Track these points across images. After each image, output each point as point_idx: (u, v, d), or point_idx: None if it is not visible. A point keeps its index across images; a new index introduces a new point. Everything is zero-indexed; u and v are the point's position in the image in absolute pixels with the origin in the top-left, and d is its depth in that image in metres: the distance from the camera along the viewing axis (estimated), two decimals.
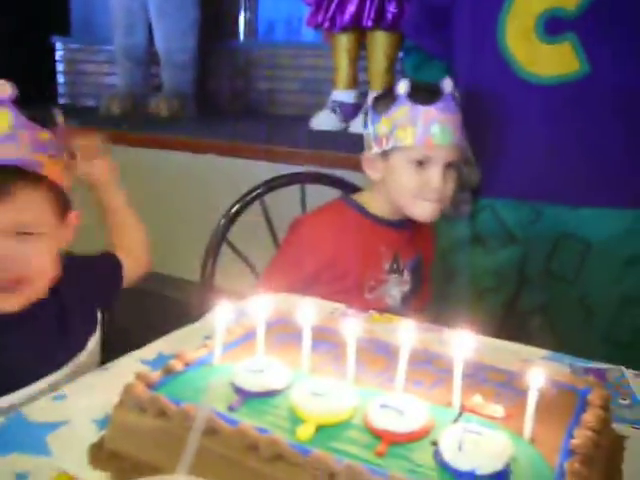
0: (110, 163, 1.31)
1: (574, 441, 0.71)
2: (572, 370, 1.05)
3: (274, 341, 0.90)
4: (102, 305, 1.21)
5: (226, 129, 3.66)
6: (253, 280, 1.55)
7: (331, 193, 1.67)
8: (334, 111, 3.48)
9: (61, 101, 4.89)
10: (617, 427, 0.87)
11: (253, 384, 0.78)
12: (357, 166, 1.47)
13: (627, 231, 1.48)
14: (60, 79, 4.89)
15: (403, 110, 1.37)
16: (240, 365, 0.82)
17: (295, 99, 4.14)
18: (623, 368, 1.07)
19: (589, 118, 1.44)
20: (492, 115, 1.51)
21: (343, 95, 3.51)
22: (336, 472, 0.65)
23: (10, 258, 0.97)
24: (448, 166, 1.40)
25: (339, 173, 1.76)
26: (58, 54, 4.84)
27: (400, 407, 0.73)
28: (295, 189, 1.62)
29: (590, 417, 0.76)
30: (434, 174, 1.38)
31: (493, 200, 1.56)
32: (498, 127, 1.51)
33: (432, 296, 1.59)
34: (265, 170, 2.91)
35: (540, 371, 0.73)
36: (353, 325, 0.82)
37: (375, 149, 1.42)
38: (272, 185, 1.58)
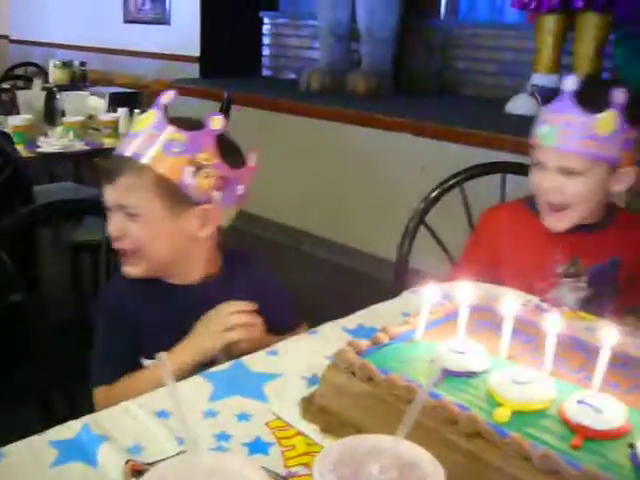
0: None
1: None
2: None
3: (475, 326, 0.95)
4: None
5: (421, 109, 3.69)
6: (446, 263, 1.60)
7: None
8: (533, 95, 3.39)
9: (264, 73, 5.18)
10: None
11: (454, 364, 0.84)
12: None
13: None
14: (265, 52, 5.17)
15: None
16: (442, 344, 0.88)
17: (492, 81, 4.07)
18: None
19: None
20: None
21: (544, 79, 3.40)
22: (532, 456, 0.69)
23: (121, 230, 1.16)
24: (568, 174, 1.33)
25: None
26: (265, 28, 5.11)
27: (598, 405, 0.76)
28: (496, 177, 1.64)
29: None
30: (543, 177, 1.35)
31: None
32: None
33: None
34: (458, 153, 2.93)
35: None
36: (555, 320, 0.85)
37: None
38: (473, 173, 1.61)
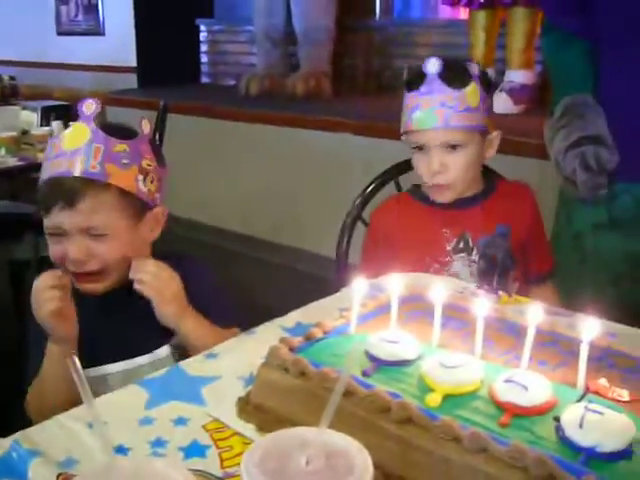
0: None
1: None
2: None
3: (407, 316, 0.96)
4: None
5: (361, 108, 3.72)
6: None
7: None
8: None
9: (203, 80, 5.15)
10: None
11: (387, 353, 0.85)
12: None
13: None
14: (203, 59, 5.15)
15: (404, 98, 1.44)
16: (375, 335, 0.89)
17: None
18: None
19: None
20: (633, 97, 1.47)
21: None
22: (461, 437, 0.70)
23: (87, 253, 1.14)
24: (452, 148, 1.40)
25: None
26: (202, 35, 5.09)
27: (525, 383, 0.77)
28: None
29: None
30: (429, 160, 1.41)
31: (632, 185, 1.52)
32: (638, 109, 1.47)
33: (562, 279, 1.58)
34: (400, 149, 2.95)
35: None
36: (483, 304, 0.87)
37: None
38: (405, 167, 1.62)
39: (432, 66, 1.36)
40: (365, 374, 0.83)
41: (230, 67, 4.99)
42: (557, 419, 0.73)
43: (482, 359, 0.86)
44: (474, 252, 1.47)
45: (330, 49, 4.22)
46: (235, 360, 1.03)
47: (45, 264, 1.32)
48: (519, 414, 0.74)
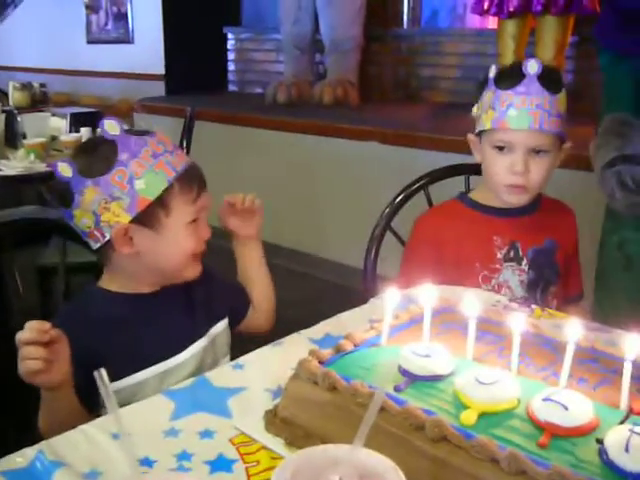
0: (260, 220, 1.32)
1: None
2: None
3: (439, 328, 0.94)
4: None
5: (388, 117, 3.70)
6: None
7: None
8: None
9: (230, 88, 5.16)
10: None
11: (419, 368, 0.82)
12: None
13: None
14: (230, 67, 5.16)
15: (489, 94, 1.38)
16: (407, 348, 0.86)
17: (456, 86, 4.10)
18: None
19: None
20: None
21: None
22: (499, 458, 0.67)
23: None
24: (535, 153, 1.37)
25: None
26: (229, 43, 5.11)
27: (565, 402, 0.74)
28: (459, 179, 1.63)
29: None
30: (514, 160, 1.37)
31: None
32: None
33: (606, 286, 1.56)
34: (429, 158, 2.93)
35: None
36: (519, 318, 0.84)
37: (476, 130, 1.45)
38: (436, 176, 1.60)
39: (532, 67, 1.34)
40: (397, 389, 0.80)
41: (257, 75, 5.00)
42: (600, 441, 0.69)
43: (518, 375, 0.83)
44: (523, 262, 1.45)
45: (357, 58, 4.21)
46: (262, 371, 1.01)
47: (71, 271, 1.31)
48: (559, 435, 0.71)
